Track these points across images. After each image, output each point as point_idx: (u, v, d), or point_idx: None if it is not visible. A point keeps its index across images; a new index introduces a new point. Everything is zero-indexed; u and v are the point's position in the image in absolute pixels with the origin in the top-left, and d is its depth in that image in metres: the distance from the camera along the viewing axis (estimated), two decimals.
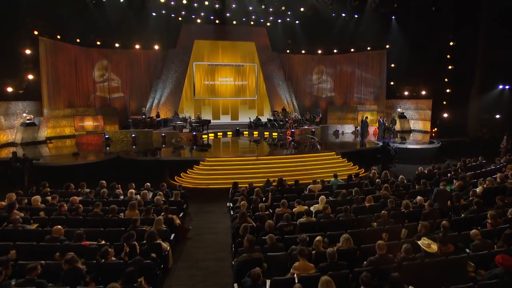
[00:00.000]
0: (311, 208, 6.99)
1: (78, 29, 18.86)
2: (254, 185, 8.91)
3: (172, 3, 19.60)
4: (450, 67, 18.83)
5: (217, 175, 12.01)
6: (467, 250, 5.15)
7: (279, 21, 22.77)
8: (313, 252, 4.87)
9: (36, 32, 16.96)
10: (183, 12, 21.14)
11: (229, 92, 23.73)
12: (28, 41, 16.69)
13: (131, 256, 4.55)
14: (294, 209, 6.85)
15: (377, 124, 17.81)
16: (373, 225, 6.22)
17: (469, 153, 14.64)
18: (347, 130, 21.00)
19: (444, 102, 19.23)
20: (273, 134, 19.51)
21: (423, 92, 20.46)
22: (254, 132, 20.14)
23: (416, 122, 21.04)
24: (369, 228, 5.91)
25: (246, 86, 23.96)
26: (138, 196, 7.61)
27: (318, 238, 5.01)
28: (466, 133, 18.57)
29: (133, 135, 17.17)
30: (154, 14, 20.59)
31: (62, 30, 18.38)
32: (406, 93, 21.51)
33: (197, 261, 6.03)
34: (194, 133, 17.43)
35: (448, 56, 18.88)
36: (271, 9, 21.00)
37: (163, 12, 20.68)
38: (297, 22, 22.68)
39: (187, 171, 12.19)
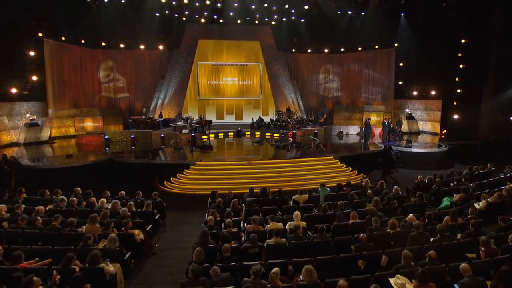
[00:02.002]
0: (287, 226, 6.50)
1: (83, 31, 19.05)
2: (234, 192, 8.57)
3: (174, 2, 19.43)
4: (461, 66, 17.78)
5: (206, 181, 11.76)
6: (456, 286, 4.48)
7: (284, 19, 22.29)
8: (269, 286, 4.24)
9: (40, 34, 17.19)
10: (186, 12, 20.99)
11: (234, 92, 23.47)
12: (33, 42, 16.94)
13: (64, 285, 4.21)
14: (266, 226, 6.37)
15: (382, 125, 17.01)
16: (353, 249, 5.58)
17: (480, 158, 13.86)
18: (352, 131, 20.31)
19: (455, 103, 18.21)
20: (275, 135, 19.10)
21: (433, 92, 19.49)
22: (256, 133, 19.80)
23: (425, 123, 20.11)
24: (343, 255, 5.27)
25: (251, 85, 23.63)
26: (110, 205, 7.45)
27: (274, 270, 4.27)
28: (477, 136, 17.52)
29: (132, 136, 17.21)
30: (157, 14, 20.57)
31: (67, 31, 18.60)
32: (415, 93, 20.57)
33: (151, 284, 5.54)
34: (193, 134, 17.27)
35: (460, 55, 17.82)
36: (274, 8, 20.48)
37: (167, 12, 20.64)
38: (302, 20, 22.14)
39: (177, 176, 11.99)
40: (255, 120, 20.98)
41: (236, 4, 19.78)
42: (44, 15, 17.00)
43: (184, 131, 17.94)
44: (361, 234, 5.48)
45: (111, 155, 13.37)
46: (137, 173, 12.36)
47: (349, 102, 23.68)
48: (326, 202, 7.98)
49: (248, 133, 19.89)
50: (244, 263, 4.89)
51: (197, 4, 19.67)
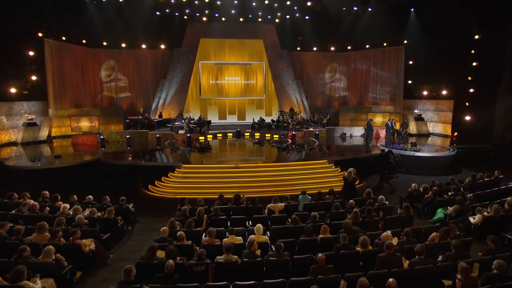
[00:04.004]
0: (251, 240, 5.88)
1: (84, 31, 19.06)
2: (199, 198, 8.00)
3: (172, 1, 19.11)
4: (474, 63, 16.53)
5: (191, 184, 11.30)
6: None
7: (288, 17, 21.58)
8: None
9: (40, 34, 17.24)
10: (187, 11, 20.67)
11: (236, 92, 23.00)
12: (32, 43, 16.99)
13: None
14: (224, 240, 5.79)
15: (385, 127, 16.04)
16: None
17: (492, 163, 12.78)
18: (356, 132, 19.36)
19: (467, 103, 16.98)
20: (274, 136, 18.46)
21: (444, 92, 18.30)
22: (256, 134, 19.22)
23: (436, 124, 18.95)
24: (293, 279, 4.58)
25: (254, 85, 23.10)
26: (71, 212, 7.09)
27: None
28: (491, 138, 16.27)
29: (128, 136, 17.02)
30: (158, 13, 20.37)
31: (68, 31, 18.63)
32: (425, 92, 19.41)
33: None
34: (188, 134, 16.89)
35: (473, 52, 16.58)
36: (276, 5, 19.81)
37: (167, 11, 20.40)
38: (306, 17, 21.40)
39: (162, 179, 11.59)
40: (256, 121, 20.41)
41: (236, 2, 19.22)
42: (44, 15, 16.99)
43: (180, 131, 17.57)
44: (319, 254, 4.82)
45: (99, 156, 13.13)
46: (123, 175, 12.09)
47: (356, 102, 22.73)
48: (303, 213, 7.37)
49: (248, 134, 19.33)
50: (178, 285, 4.36)
51: (196, 2, 19.26)
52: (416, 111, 19.22)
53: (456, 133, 17.36)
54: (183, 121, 18.74)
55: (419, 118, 18.99)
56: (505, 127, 16.06)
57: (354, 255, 5.25)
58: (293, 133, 17.67)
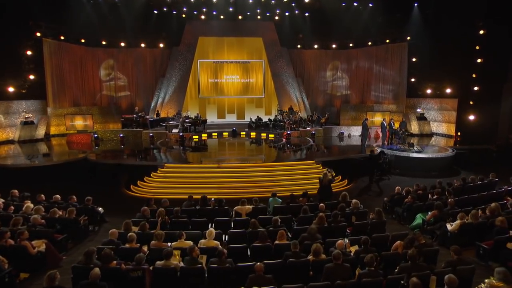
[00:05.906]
0: (201, 244, 5.61)
1: (82, 30, 19.19)
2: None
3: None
4: (479, 60, 15.71)
5: (172, 184, 11.09)
6: None
7: (287, 14, 21.16)
8: None
9: (39, 34, 17.46)
10: (184, 9, 20.55)
11: (235, 90, 22.78)
12: (31, 42, 17.22)
13: None
14: (172, 244, 5.52)
15: (380, 127, 15.44)
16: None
17: (494, 165, 12.12)
18: (355, 132, 18.76)
19: (471, 102, 16.17)
20: (270, 135, 18.12)
21: (448, 90, 17.50)
22: (252, 133, 18.93)
23: (440, 124, 18.17)
24: None
25: (253, 84, 22.80)
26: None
27: None
28: (494, 139, 15.43)
29: (121, 135, 17.03)
30: (156, 11, 20.35)
31: (67, 31, 18.81)
32: (428, 91, 18.63)
33: None
34: (181, 133, 16.76)
35: (477, 48, 15.76)
36: (273, 2, 19.44)
37: (165, 9, 20.35)
38: (306, 14, 20.91)
39: (144, 179, 11.47)
40: (253, 120, 20.10)
41: None
42: (43, 15, 17.18)
43: (174, 130, 17.45)
44: (258, 263, 4.50)
45: (86, 155, 13.12)
46: (107, 174, 12.04)
47: (359, 101, 22.10)
48: (271, 216, 7.05)
49: (244, 133, 19.05)
50: None
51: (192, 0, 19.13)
52: (418, 110, 18.49)
53: (459, 133, 16.59)
54: (180, 120, 18.62)
55: (421, 118, 18.25)
56: (510, 126, 15.18)
57: (304, 264, 4.90)
58: (288, 132, 17.27)
